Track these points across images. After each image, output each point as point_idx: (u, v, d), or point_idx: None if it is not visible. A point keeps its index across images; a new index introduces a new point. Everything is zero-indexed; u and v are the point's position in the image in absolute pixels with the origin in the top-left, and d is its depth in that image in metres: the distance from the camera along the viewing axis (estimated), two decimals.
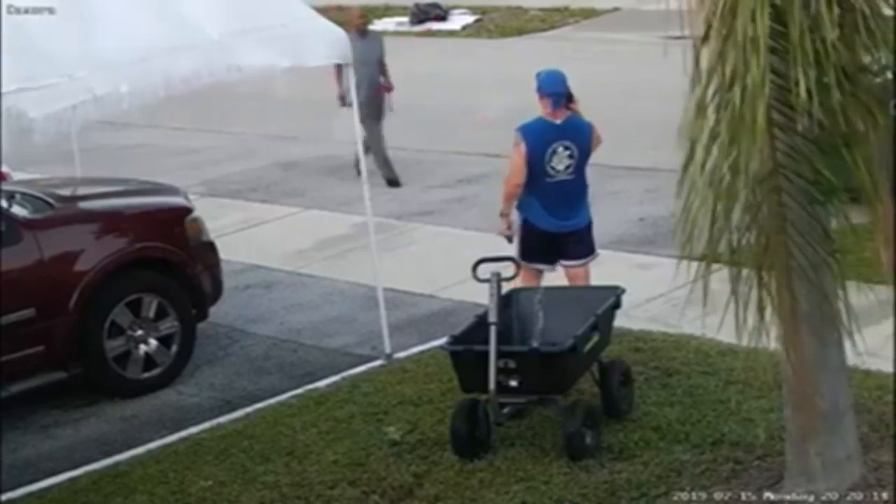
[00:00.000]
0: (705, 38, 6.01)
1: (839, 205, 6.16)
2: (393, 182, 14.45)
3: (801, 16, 5.70)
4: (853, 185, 6.07)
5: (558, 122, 9.10)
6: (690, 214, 5.92)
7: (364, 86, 13.11)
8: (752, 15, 5.74)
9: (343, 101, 13.85)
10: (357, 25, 14.40)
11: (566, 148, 9.07)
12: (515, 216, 9.35)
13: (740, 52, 5.77)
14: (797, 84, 5.66)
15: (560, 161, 9.08)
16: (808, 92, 5.67)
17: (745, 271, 6.39)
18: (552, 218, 9.20)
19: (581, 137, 9.13)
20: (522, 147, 9.10)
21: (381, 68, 14.69)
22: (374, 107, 14.13)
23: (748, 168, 5.87)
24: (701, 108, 5.97)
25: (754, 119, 5.73)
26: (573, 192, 9.20)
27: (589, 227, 9.40)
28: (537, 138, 9.10)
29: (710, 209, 5.96)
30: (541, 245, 9.28)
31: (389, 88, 14.68)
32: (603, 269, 10.47)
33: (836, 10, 5.73)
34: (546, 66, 9.98)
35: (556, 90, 9.11)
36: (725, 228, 6.08)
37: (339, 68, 13.09)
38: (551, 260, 9.35)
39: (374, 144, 14.07)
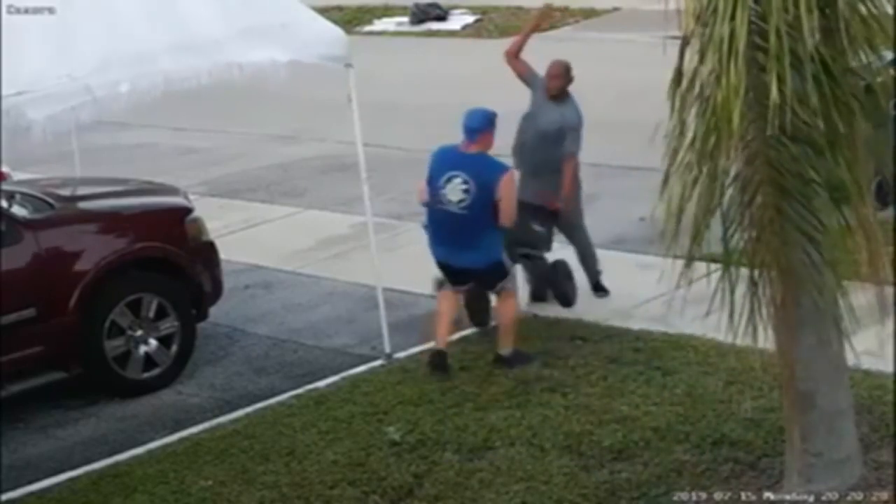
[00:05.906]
0: (688, 39, 6.05)
1: (836, 204, 6.18)
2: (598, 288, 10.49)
3: (780, 19, 5.71)
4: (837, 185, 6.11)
5: (464, 152, 9.12)
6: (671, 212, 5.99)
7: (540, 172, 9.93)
8: (731, 15, 5.77)
9: None
10: (553, 87, 10.01)
11: (464, 181, 9.01)
12: None
13: (719, 53, 5.80)
14: (782, 84, 5.69)
15: (453, 192, 9.05)
16: (784, 94, 5.70)
17: (742, 271, 6.42)
18: (438, 247, 9.31)
19: (482, 174, 8.98)
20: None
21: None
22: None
23: (730, 168, 5.92)
24: (681, 108, 6.03)
25: (730, 120, 5.77)
26: (465, 228, 9.04)
27: (490, 268, 9.19)
28: (437, 162, 9.26)
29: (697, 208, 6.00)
30: (441, 269, 9.46)
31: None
32: (603, 269, 10.49)
33: (815, 13, 5.75)
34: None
35: (468, 124, 9.13)
36: (710, 228, 6.11)
37: None
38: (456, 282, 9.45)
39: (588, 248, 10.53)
